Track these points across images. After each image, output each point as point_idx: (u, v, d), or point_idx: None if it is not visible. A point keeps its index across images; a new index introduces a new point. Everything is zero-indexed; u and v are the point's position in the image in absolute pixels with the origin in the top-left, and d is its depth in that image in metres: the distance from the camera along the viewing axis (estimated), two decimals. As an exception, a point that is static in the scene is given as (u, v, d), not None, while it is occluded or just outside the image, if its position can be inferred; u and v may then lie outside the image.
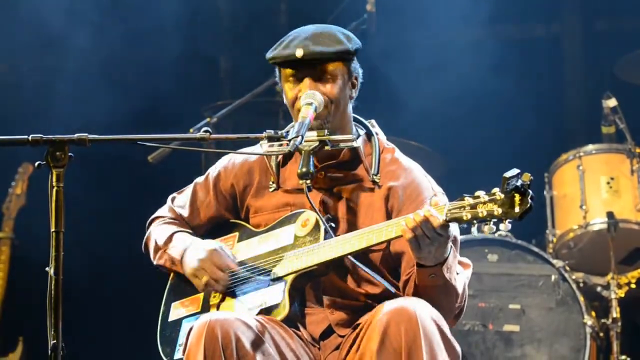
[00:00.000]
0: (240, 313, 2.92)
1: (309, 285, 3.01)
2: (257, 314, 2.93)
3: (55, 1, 6.00)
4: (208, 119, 5.41)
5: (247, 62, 6.71)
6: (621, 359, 5.00)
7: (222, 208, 3.22)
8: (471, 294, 5.14)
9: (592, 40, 6.89)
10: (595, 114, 5.77)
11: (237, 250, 3.13)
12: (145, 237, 3.29)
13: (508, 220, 2.62)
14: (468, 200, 2.67)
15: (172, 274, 3.23)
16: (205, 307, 3.09)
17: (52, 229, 2.53)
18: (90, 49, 6.12)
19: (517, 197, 2.59)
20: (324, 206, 3.04)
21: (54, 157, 2.55)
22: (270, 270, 3.01)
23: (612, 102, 5.48)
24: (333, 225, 2.98)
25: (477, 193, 2.67)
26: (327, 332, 2.98)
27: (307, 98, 2.97)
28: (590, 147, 5.52)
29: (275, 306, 2.93)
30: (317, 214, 2.97)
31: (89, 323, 5.77)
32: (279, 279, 2.98)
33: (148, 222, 3.32)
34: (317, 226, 2.98)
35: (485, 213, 2.63)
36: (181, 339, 3.05)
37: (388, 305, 2.75)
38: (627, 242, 5.36)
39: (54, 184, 2.54)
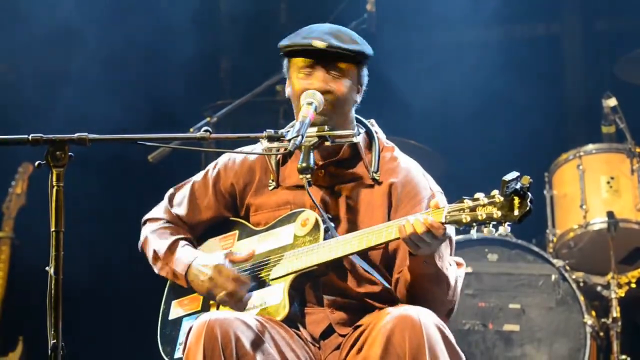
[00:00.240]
0: (240, 313, 2.92)
1: (308, 285, 3.01)
2: (257, 314, 2.93)
3: (56, 1, 6.01)
4: (208, 119, 5.41)
5: (247, 62, 6.72)
6: (621, 358, 5.00)
7: (221, 207, 3.22)
8: (471, 293, 5.15)
9: (592, 40, 6.89)
10: (595, 113, 5.77)
11: (237, 248, 3.12)
12: (141, 238, 3.28)
13: (507, 223, 2.62)
14: (467, 202, 2.68)
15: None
16: (205, 306, 3.09)
17: (52, 229, 2.53)
18: (91, 49, 6.12)
19: (517, 200, 2.59)
20: (324, 204, 3.04)
21: (54, 156, 2.55)
22: (270, 270, 3.01)
23: (612, 102, 5.48)
24: (332, 224, 2.98)
25: (476, 195, 2.68)
26: (328, 332, 2.98)
27: (307, 98, 2.98)
28: (590, 146, 5.52)
29: (275, 306, 2.93)
30: (318, 208, 2.98)
31: (89, 323, 5.76)
32: (278, 279, 2.98)
33: (143, 220, 3.31)
34: (316, 226, 2.97)
35: (484, 216, 2.64)
36: (181, 338, 3.05)
37: (392, 312, 2.75)
38: (627, 242, 5.36)
39: (54, 183, 2.54)
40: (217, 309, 3.04)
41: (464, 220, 2.67)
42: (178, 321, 3.14)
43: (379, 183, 3.06)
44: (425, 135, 5.91)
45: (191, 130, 5.16)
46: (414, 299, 2.90)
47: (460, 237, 5.24)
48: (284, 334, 2.88)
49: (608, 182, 5.41)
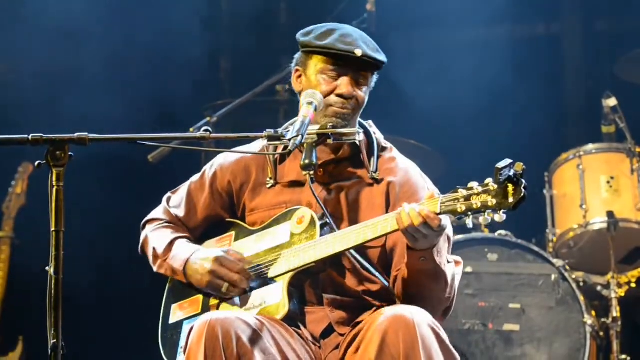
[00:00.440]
0: (241, 312, 2.92)
1: (308, 284, 3.01)
2: (257, 314, 2.93)
3: (57, 2, 6.01)
4: (208, 118, 5.41)
5: (247, 62, 6.72)
6: (621, 358, 5.00)
7: (218, 207, 3.22)
8: (471, 293, 5.15)
9: (592, 40, 6.89)
10: (595, 113, 5.77)
11: (234, 249, 3.12)
12: (141, 240, 3.28)
13: (502, 210, 2.62)
14: (462, 192, 2.68)
15: (170, 277, 3.22)
16: (206, 308, 3.08)
17: (52, 228, 2.53)
18: (91, 49, 6.12)
19: (511, 187, 2.60)
20: (323, 202, 3.04)
21: (54, 156, 2.55)
22: (268, 269, 3.01)
23: (612, 102, 5.48)
24: (328, 221, 2.98)
25: (470, 184, 2.68)
26: (328, 331, 2.98)
27: (307, 97, 2.99)
28: (590, 146, 5.52)
29: (275, 305, 2.93)
30: (320, 203, 2.98)
31: (89, 323, 5.76)
32: (277, 277, 2.98)
33: (142, 223, 3.31)
34: (312, 223, 2.98)
35: (479, 204, 2.64)
36: (182, 342, 3.05)
37: (387, 312, 2.76)
38: (627, 242, 5.36)
39: (54, 183, 2.54)
40: (217, 310, 3.04)
41: (459, 210, 2.67)
42: (179, 325, 3.14)
43: (378, 183, 3.07)
44: (425, 135, 5.92)
45: (191, 130, 5.16)
46: (411, 296, 2.90)
47: (461, 237, 5.25)
48: (284, 333, 2.88)
49: (608, 182, 5.41)
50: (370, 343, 2.73)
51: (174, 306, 3.19)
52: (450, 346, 2.79)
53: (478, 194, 2.65)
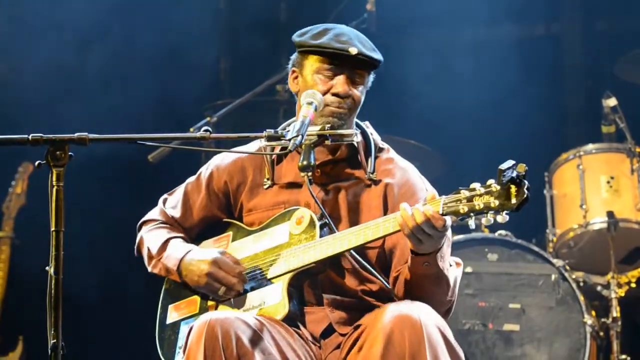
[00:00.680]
0: (240, 312, 2.92)
1: (308, 284, 3.01)
2: (256, 314, 2.92)
3: (57, 2, 6.01)
4: (208, 118, 5.41)
5: (247, 62, 6.72)
6: (621, 358, 5.00)
7: (215, 207, 3.22)
8: (471, 293, 5.15)
9: (592, 40, 6.89)
10: (595, 113, 5.77)
11: (231, 250, 3.12)
12: (137, 241, 3.29)
13: (505, 211, 2.61)
14: (464, 193, 2.68)
15: (166, 278, 3.22)
16: (203, 309, 3.08)
17: (52, 228, 2.53)
18: (91, 49, 6.12)
19: (513, 189, 2.59)
20: (322, 203, 3.03)
21: (54, 156, 2.55)
22: (267, 270, 3.01)
23: (612, 102, 5.48)
24: (327, 221, 2.97)
25: (472, 185, 2.68)
26: (328, 331, 2.98)
27: (307, 97, 2.98)
28: (590, 146, 5.52)
29: (275, 305, 2.93)
30: (318, 204, 2.98)
31: (89, 323, 5.76)
32: (276, 278, 2.98)
33: (138, 225, 3.32)
34: (312, 223, 2.98)
35: (482, 205, 2.64)
36: (180, 342, 3.05)
37: (392, 311, 2.75)
38: (627, 242, 5.36)
39: (54, 183, 2.54)
40: (216, 310, 3.04)
41: (461, 211, 2.66)
42: (176, 325, 3.13)
43: (376, 184, 3.07)
44: (425, 135, 5.92)
45: (191, 130, 5.16)
46: (412, 298, 2.89)
47: (461, 237, 5.25)
48: (284, 334, 2.88)
49: (608, 182, 5.41)
50: (375, 342, 2.72)
51: (170, 307, 3.18)
52: (456, 345, 2.78)
53: (480, 195, 2.64)
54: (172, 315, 3.16)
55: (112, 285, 6.05)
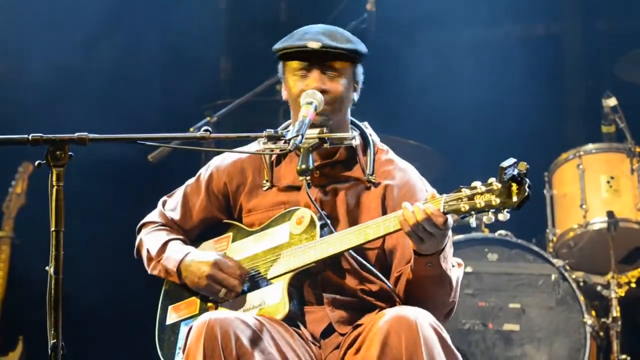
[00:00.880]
0: (240, 312, 2.92)
1: (308, 284, 3.01)
2: (256, 314, 2.92)
3: (58, 1, 6.01)
4: (208, 118, 5.41)
5: (247, 62, 6.72)
6: (621, 358, 5.00)
7: (214, 209, 3.22)
8: (471, 293, 5.15)
9: (592, 40, 6.89)
10: (595, 113, 5.77)
11: (232, 250, 3.12)
12: (136, 243, 3.29)
13: (506, 210, 2.61)
14: (465, 191, 2.67)
15: (166, 279, 3.22)
16: (203, 310, 3.08)
17: (52, 228, 2.53)
18: (91, 49, 6.12)
19: (515, 187, 2.59)
20: (320, 204, 3.04)
21: (54, 156, 2.55)
22: (268, 270, 3.01)
23: (612, 102, 5.48)
24: (327, 221, 2.97)
25: (473, 184, 2.67)
26: (328, 331, 2.98)
27: (307, 97, 2.98)
28: (590, 146, 5.52)
29: (275, 305, 2.93)
30: (317, 208, 2.97)
31: (89, 323, 5.76)
32: (276, 278, 2.98)
33: (138, 227, 3.32)
34: (312, 223, 2.98)
35: (483, 204, 2.63)
36: (180, 343, 3.05)
37: (389, 314, 2.75)
38: (627, 241, 5.36)
39: (54, 183, 2.54)
40: (216, 310, 3.04)
41: (462, 209, 2.66)
42: (176, 326, 3.13)
43: (375, 185, 3.07)
44: (426, 135, 5.91)
45: (191, 129, 5.16)
46: (415, 299, 2.89)
47: (461, 236, 5.25)
48: (284, 333, 2.88)
49: (608, 182, 5.41)
50: (372, 344, 2.72)
51: (170, 308, 3.18)
52: (453, 347, 2.77)
53: (482, 194, 2.64)
54: (171, 316, 3.16)
55: (112, 285, 6.05)
